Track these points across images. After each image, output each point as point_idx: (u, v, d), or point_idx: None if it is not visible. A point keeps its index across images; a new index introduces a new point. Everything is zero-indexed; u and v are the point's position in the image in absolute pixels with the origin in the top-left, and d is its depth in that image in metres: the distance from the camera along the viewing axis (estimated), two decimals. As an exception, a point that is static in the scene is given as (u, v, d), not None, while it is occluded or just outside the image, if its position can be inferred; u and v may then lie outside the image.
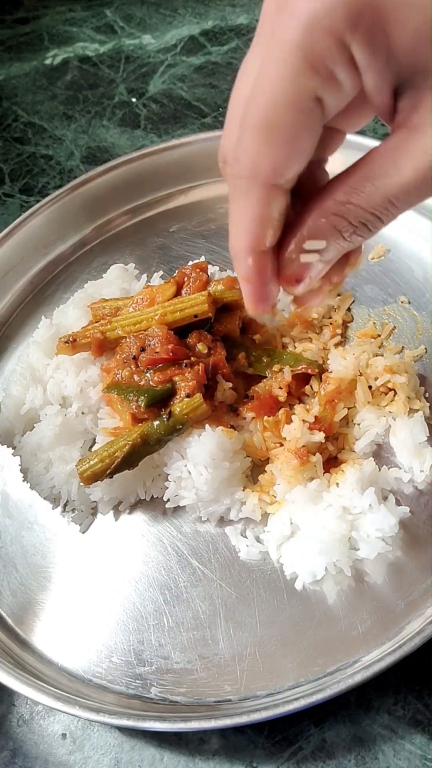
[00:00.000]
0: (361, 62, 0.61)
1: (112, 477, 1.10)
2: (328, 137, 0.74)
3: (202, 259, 1.40)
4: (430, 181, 0.64)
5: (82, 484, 1.11)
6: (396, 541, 1.05)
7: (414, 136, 0.63)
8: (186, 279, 1.21)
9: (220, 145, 0.71)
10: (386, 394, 1.16)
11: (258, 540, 1.09)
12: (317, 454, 1.11)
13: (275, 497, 1.11)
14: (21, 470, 1.21)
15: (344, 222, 0.69)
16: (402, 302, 1.28)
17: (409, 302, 1.29)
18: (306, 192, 0.73)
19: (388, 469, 1.11)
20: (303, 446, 1.10)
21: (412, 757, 0.92)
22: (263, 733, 0.96)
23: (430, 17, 0.58)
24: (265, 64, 0.62)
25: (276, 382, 1.16)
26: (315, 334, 1.25)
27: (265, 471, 1.14)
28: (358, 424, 1.14)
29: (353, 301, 1.31)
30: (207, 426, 1.11)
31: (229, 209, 0.72)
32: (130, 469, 1.10)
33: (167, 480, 1.13)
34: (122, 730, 0.99)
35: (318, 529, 1.04)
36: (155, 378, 1.12)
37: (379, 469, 1.11)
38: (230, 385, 1.18)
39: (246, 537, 1.10)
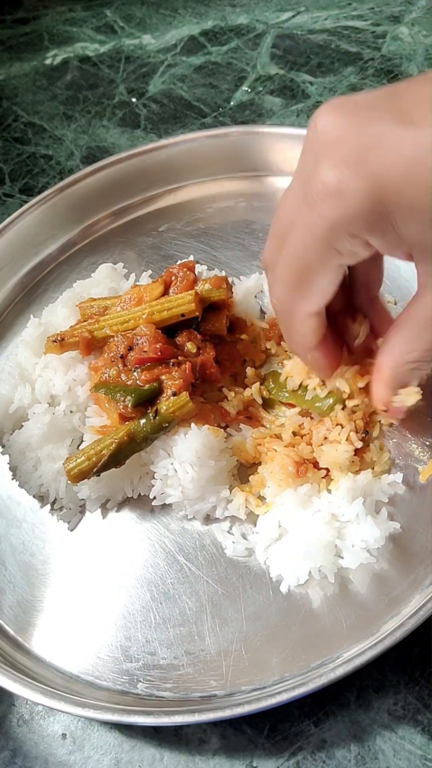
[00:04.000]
0: (377, 245, 0.81)
1: (99, 475, 1.10)
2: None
3: (191, 258, 1.41)
4: None
5: (69, 482, 1.12)
6: (384, 554, 1.04)
7: None
8: (173, 278, 1.22)
9: (263, 257, 0.98)
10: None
11: (244, 537, 1.10)
12: (316, 471, 1.11)
13: (265, 498, 1.11)
14: (9, 468, 1.22)
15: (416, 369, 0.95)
16: (389, 302, 1.27)
17: (396, 303, 1.28)
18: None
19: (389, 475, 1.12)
20: (303, 459, 1.11)
21: (412, 757, 0.93)
22: (263, 732, 0.96)
23: (429, 220, 0.75)
24: (296, 236, 0.85)
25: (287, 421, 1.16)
26: None
27: (257, 472, 1.14)
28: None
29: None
30: (193, 425, 1.12)
31: (282, 330, 1.03)
32: (117, 468, 1.11)
33: (154, 478, 1.13)
34: (122, 729, 1.00)
35: (305, 534, 1.04)
36: (142, 377, 1.12)
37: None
38: (233, 394, 1.19)
39: (232, 534, 1.10)
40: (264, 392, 1.19)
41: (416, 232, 0.77)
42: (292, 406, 1.17)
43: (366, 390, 1.10)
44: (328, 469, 1.11)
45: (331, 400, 1.12)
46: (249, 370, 1.22)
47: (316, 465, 1.11)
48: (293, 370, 1.16)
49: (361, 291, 1.05)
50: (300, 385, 1.15)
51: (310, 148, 0.81)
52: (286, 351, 1.24)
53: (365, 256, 0.84)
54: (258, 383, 1.20)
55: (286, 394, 1.17)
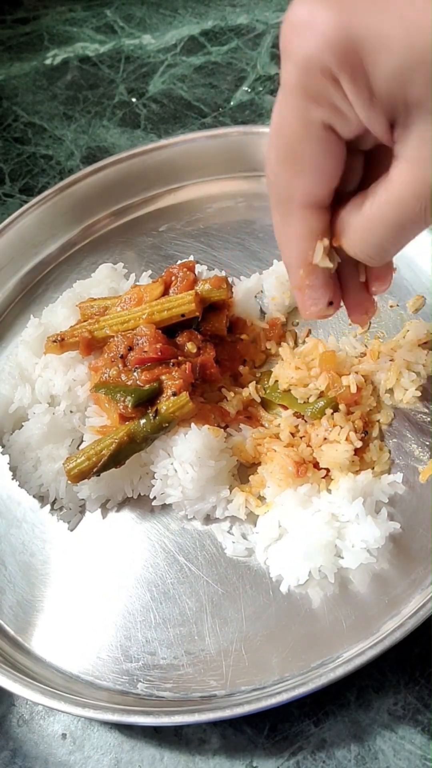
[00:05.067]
0: (350, 96, 0.69)
1: (99, 475, 1.10)
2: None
3: (191, 258, 1.41)
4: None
5: (69, 482, 1.12)
6: (384, 554, 1.04)
7: (408, 170, 0.71)
8: (173, 278, 1.22)
9: (267, 164, 0.79)
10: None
11: (244, 537, 1.10)
12: (316, 471, 1.12)
13: (265, 498, 1.11)
14: (10, 468, 1.22)
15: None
16: (390, 306, 1.28)
17: (398, 305, 1.28)
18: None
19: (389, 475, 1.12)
20: (303, 459, 1.11)
21: (412, 757, 0.93)
22: (263, 732, 0.97)
23: (405, 61, 0.65)
24: (280, 105, 0.73)
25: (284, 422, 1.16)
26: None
27: (257, 472, 1.14)
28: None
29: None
30: (193, 425, 1.12)
31: (276, 229, 0.82)
32: (117, 468, 1.11)
33: (154, 478, 1.13)
34: (122, 729, 1.00)
35: (305, 534, 1.05)
36: (142, 377, 1.12)
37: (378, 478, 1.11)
38: (232, 394, 1.19)
39: (232, 534, 1.10)
40: (260, 391, 1.19)
41: (387, 73, 0.66)
42: (286, 407, 1.18)
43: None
44: (328, 470, 1.11)
45: (321, 404, 1.12)
46: (244, 369, 1.22)
47: (316, 465, 1.11)
48: (279, 374, 1.17)
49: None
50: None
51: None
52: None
53: (348, 114, 0.71)
54: (254, 382, 1.20)
55: (279, 395, 1.17)
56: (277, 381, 1.18)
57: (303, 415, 1.15)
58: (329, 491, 1.09)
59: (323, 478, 1.11)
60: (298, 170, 0.76)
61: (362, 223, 0.78)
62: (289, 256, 0.84)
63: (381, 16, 0.65)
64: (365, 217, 0.77)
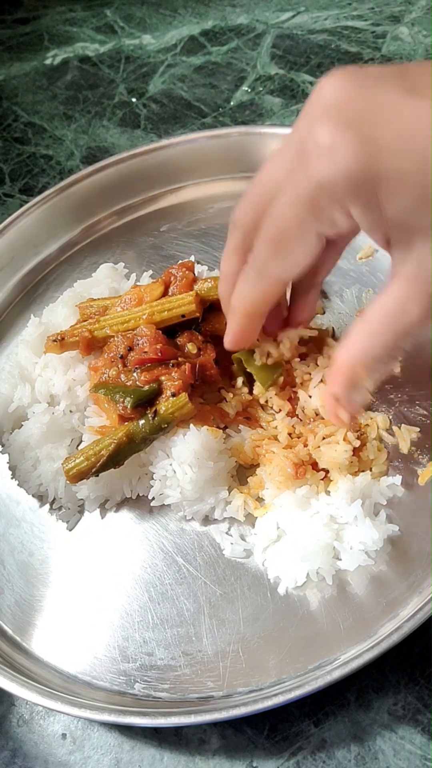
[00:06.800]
0: (357, 218, 0.78)
1: (98, 475, 1.10)
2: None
3: (192, 258, 1.41)
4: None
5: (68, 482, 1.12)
6: (382, 556, 1.04)
7: (411, 278, 0.79)
8: (173, 278, 1.22)
9: (236, 211, 0.93)
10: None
11: (242, 538, 1.10)
12: (315, 473, 1.11)
13: (263, 500, 1.11)
14: (9, 468, 1.22)
15: (374, 371, 0.89)
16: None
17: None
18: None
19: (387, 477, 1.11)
20: (302, 461, 1.11)
21: (412, 757, 0.93)
22: (263, 732, 0.96)
23: (419, 197, 0.72)
24: (284, 196, 0.82)
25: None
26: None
27: (255, 474, 1.14)
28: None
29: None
30: (192, 426, 1.12)
31: (239, 283, 0.95)
32: (115, 468, 1.11)
33: (153, 478, 1.13)
34: (122, 729, 1.00)
35: (303, 536, 1.04)
36: (142, 377, 1.12)
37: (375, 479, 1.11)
38: (231, 395, 1.19)
39: (231, 535, 1.10)
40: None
41: (401, 207, 0.74)
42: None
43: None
44: (327, 471, 1.11)
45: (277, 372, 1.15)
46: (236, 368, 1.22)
47: (315, 466, 1.11)
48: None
49: (307, 271, 0.97)
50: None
51: (309, 111, 0.79)
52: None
53: (343, 228, 0.81)
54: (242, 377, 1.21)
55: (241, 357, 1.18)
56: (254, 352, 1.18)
57: (296, 414, 1.15)
58: (328, 493, 1.09)
59: (322, 480, 1.10)
60: (281, 256, 0.87)
61: (364, 331, 0.86)
62: (240, 308, 0.98)
63: (404, 155, 0.71)
64: (367, 325, 0.85)
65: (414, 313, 0.80)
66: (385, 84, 0.74)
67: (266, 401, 1.18)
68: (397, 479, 1.10)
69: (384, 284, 0.84)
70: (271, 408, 1.18)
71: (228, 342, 1.05)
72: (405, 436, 1.13)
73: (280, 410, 1.15)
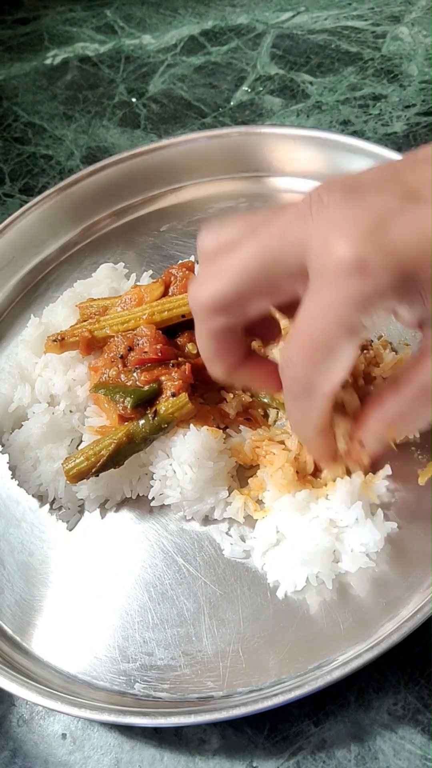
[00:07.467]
0: (402, 316, 0.77)
1: (98, 475, 1.10)
2: None
3: (192, 258, 1.41)
4: None
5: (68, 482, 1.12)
6: (382, 557, 1.04)
7: None
8: (173, 278, 1.22)
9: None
10: None
11: (242, 539, 1.10)
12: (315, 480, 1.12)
13: (263, 502, 1.11)
14: (9, 468, 1.22)
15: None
16: (406, 344, 1.27)
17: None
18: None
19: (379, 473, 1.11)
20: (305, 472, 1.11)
21: (412, 757, 0.92)
22: (263, 732, 0.96)
23: None
24: (317, 310, 0.77)
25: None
26: None
27: (256, 475, 1.14)
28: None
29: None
30: (192, 426, 1.12)
31: (289, 409, 0.90)
32: (116, 468, 1.11)
33: (153, 479, 1.13)
34: (122, 729, 1.00)
35: (302, 540, 1.04)
36: (142, 378, 1.12)
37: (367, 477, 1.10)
38: (231, 396, 1.18)
39: (230, 536, 1.10)
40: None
41: None
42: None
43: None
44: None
45: None
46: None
47: (316, 468, 1.12)
48: None
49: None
50: None
51: (304, 217, 0.77)
52: None
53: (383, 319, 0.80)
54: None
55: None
56: None
57: None
58: (326, 497, 1.09)
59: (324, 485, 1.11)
60: (326, 371, 0.81)
61: (399, 399, 0.88)
62: (308, 432, 0.93)
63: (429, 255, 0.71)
64: (403, 395, 0.87)
65: None
66: (384, 191, 0.74)
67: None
68: (397, 479, 1.10)
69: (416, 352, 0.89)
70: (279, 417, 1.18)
71: (323, 464, 1.09)
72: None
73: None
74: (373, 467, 1.10)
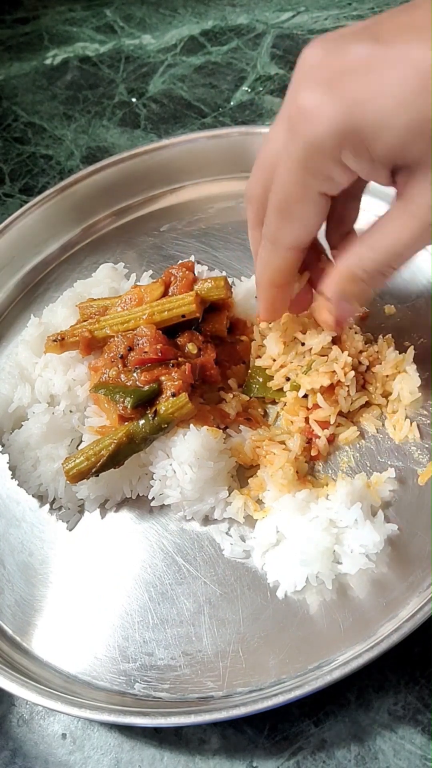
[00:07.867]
0: (352, 166, 0.83)
1: (98, 475, 1.10)
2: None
3: (192, 258, 1.41)
4: (426, 236, 0.86)
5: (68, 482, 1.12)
6: (382, 557, 1.04)
7: (407, 204, 0.85)
8: (173, 278, 1.22)
9: (246, 186, 1.02)
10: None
11: (242, 539, 1.10)
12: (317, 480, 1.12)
13: (263, 503, 1.11)
14: (9, 468, 1.22)
15: (364, 283, 0.95)
16: (389, 313, 1.28)
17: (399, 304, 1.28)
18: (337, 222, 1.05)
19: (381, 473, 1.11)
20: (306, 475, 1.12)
21: (412, 757, 0.93)
22: (263, 732, 0.96)
23: (403, 136, 0.77)
24: (281, 164, 0.87)
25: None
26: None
27: (256, 475, 1.14)
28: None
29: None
30: (192, 426, 1.12)
31: (259, 254, 1.00)
32: (116, 468, 1.11)
33: (153, 478, 1.13)
34: (122, 729, 1.00)
35: (302, 540, 1.04)
36: (142, 378, 1.12)
37: (369, 477, 1.11)
38: (231, 396, 1.19)
39: (230, 536, 1.10)
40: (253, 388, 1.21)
41: (386, 146, 0.79)
42: (274, 402, 1.20)
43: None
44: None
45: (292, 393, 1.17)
46: (237, 368, 1.22)
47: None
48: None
49: (335, 224, 1.06)
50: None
51: (293, 80, 0.85)
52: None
53: (344, 182, 0.86)
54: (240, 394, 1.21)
55: (259, 386, 1.20)
56: (265, 381, 1.19)
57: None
58: (327, 497, 1.09)
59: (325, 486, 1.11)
60: (289, 222, 0.93)
61: (362, 245, 0.92)
62: (264, 278, 1.03)
63: (381, 102, 0.76)
64: (366, 241, 0.91)
65: (406, 235, 0.86)
66: (357, 39, 0.80)
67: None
68: (397, 480, 1.10)
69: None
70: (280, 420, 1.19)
71: (261, 314, 1.11)
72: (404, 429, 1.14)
73: (293, 422, 1.16)
74: (376, 468, 1.11)
